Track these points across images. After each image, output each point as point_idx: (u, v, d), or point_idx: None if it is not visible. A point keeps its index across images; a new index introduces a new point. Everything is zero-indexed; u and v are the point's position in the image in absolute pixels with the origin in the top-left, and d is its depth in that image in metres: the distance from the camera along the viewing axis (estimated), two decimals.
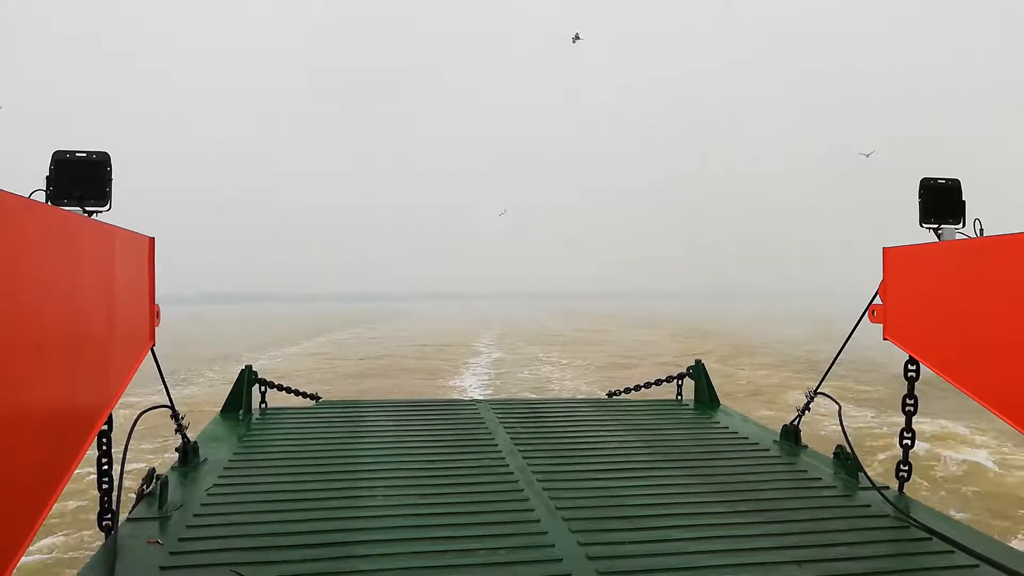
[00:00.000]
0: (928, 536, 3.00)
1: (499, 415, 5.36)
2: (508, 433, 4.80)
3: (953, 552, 2.84)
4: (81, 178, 3.10)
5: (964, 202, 3.64)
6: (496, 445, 4.49)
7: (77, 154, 3.12)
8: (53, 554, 7.39)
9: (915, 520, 3.16)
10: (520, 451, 4.33)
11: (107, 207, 3.16)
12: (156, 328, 3.79)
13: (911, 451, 3.68)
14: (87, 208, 3.10)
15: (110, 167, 3.16)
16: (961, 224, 3.63)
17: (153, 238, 3.69)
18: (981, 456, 11.64)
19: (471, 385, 21.11)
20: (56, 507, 2.13)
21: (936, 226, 3.66)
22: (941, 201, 3.65)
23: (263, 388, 5.57)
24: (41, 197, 2.99)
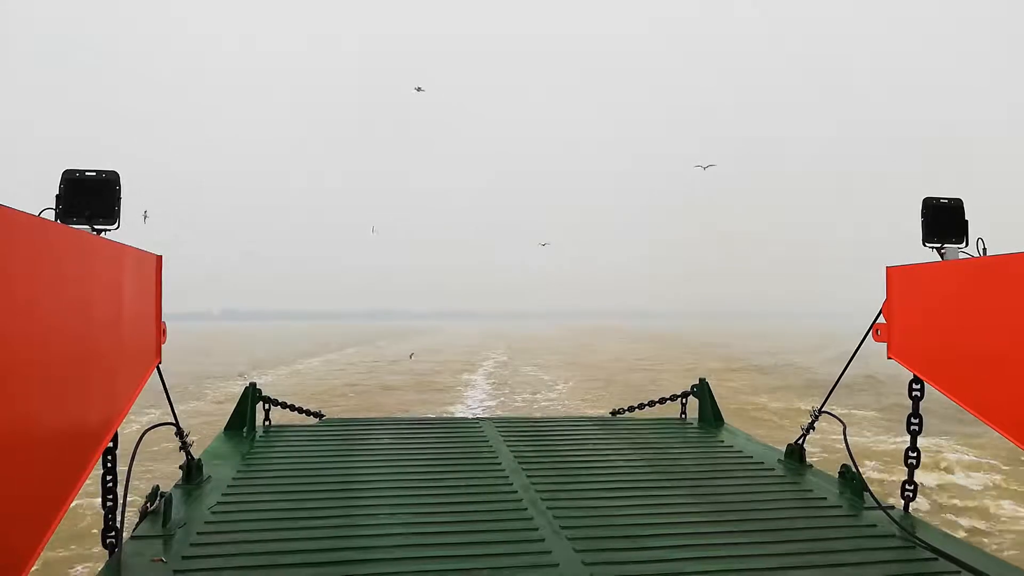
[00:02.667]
0: (934, 556, 2.98)
1: (502, 433, 5.35)
2: (512, 451, 4.79)
3: (959, 573, 2.82)
4: (90, 196, 3.13)
5: (967, 221, 3.65)
6: (500, 463, 4.48)
7: (87, 173, 3.15)
8: None
9: (921, 540, 3.14)
10: (524, 470, 4.31)
11: (116, 225, 3.18)
12: (163, 346, 3.81)
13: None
14: (96, 226, 3.13)
15: (119, 186, 3.19)
16: (964, 243, 3.64)
17: (160, 256, 3.72)
18: None
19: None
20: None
21: (939, 245, 3.67)
22: (944, 220, 3.66)
23: (267, 406, 5.58)
24: (51, 215, 3.02)
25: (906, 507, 3.61)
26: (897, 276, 3.80)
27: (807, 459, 4.48)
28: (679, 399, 6.16)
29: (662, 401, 6.33)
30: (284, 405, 5.77)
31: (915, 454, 3.67)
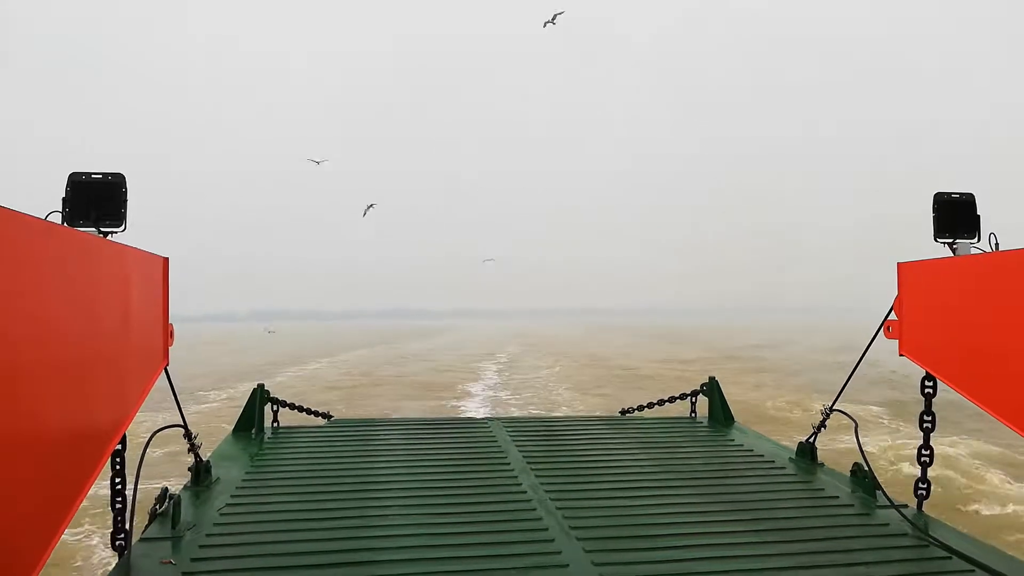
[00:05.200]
0: (948, 555, 2.95)
1: (511, 433, 5.33)
2: (520, 451, 4.77)
3: (973, 572, 2.79)
4: (97, 199, 3.14)
5: (979, 216, 3.61)
6: (508, 463, 4.47)
7: (93, 176, 3.16)
8: None
9: (934, 539, 3.11)
10: (533, 469, 4.30)
11: (122, 228, 3.19)
12: (170, 348, 3.81)
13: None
14: (103, 229, 3.14)
15: (125, 188, 3.20)
16: (976, 239, 3.60)
17: (167, 258, 3.72)
18: None
19: None
20: None
21: (951, 240, 3.63)
22: (955, 215, 3.62)
23: (275, 407, 5.58)
24: (58, 218, 3.03)
25: (920, 505, 3.58)
26: (908, 272, 3.76)
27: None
28: (689, 398, 6.13)
29: (672, 400, 6.29)
30: (292, 406, 5.77)
31: (928, 452, 3.64)
